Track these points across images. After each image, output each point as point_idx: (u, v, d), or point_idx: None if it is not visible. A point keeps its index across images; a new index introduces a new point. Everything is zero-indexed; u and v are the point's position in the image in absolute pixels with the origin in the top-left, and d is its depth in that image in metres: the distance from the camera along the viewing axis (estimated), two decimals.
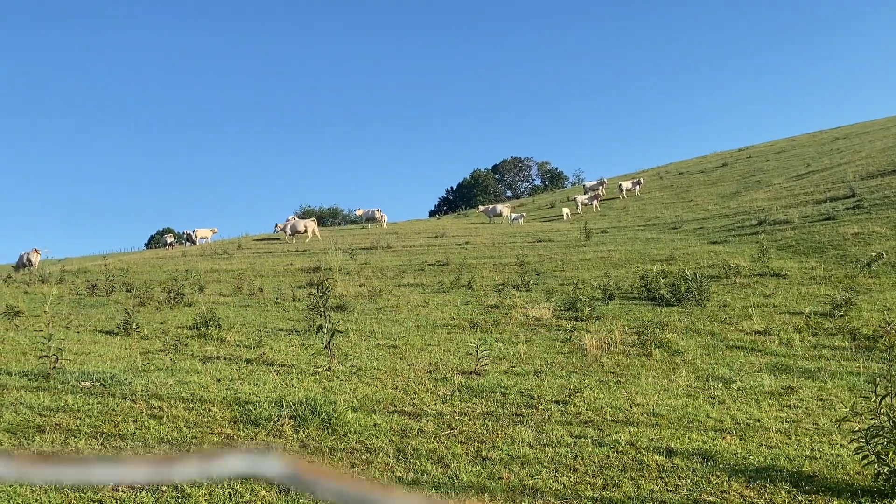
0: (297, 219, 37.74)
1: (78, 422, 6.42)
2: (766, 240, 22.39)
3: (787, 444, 6.26)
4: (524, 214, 43.77)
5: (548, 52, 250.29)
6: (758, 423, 6.86)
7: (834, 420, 6.90)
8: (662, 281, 15.71)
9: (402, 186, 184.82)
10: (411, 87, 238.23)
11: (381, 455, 5.83)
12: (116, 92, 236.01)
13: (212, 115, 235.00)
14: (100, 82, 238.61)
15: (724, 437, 6.42)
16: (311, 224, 37.07)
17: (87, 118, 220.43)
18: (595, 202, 45.29)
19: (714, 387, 8.35)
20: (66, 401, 7.09)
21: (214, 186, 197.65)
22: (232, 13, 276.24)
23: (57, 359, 8.32)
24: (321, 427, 6.50)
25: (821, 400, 7.73)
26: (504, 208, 46.06)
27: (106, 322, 13.74)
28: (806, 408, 7.43)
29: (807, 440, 6.35)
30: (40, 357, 8.74)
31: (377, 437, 6.29)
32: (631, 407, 7.44)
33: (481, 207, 49.26)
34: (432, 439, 6.28)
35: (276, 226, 40.00)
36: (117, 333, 12.16)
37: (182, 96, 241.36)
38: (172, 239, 51.63)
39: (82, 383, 7.89)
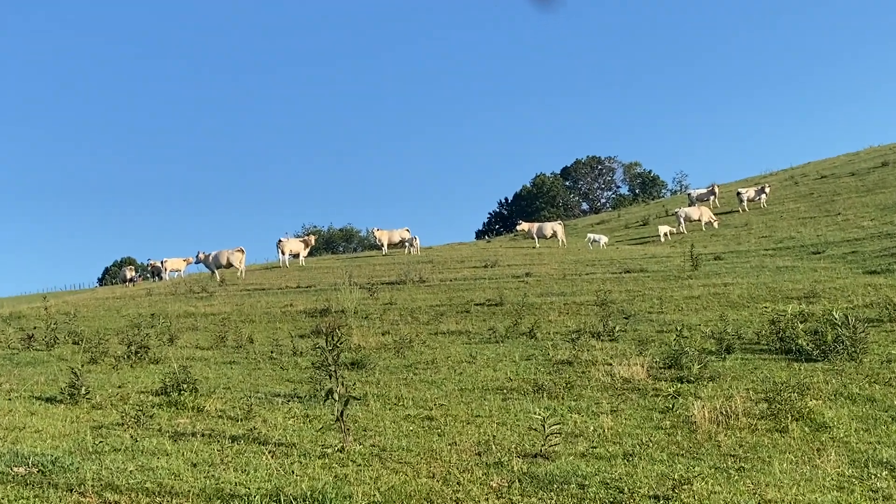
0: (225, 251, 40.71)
1: None
2: None
3: None
4: (605, 238, 43.47)
5: (629, 20, 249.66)
6: None
7: None
8: (801, 327, 15.40)
9: (440, 200, 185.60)
10: (445, 65, 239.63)
11: None
12: (59, 89, 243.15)
13: (185, 115, 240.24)
14: (39, 81, 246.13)
15: None
16: (238, 255, 39.66)
17: (23, 121, 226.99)
18: (704, 217, 44.82)
19: (877, 475, 8.12)
20: None
21: (190, 205, 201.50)
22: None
23: None
24: None
25: None
26: (556, 227, 45.75)
27: (46, 386, 13.99)
28: None
29: None
30: None
31: None
32: None
33: (524, 225, 48.78)
34: None
35: (199, 254, 42.58)
36: (61, 401, 12.35)
37: (147, 91, 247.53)
38: (134, 273, 52.70)
39: (15, 469, 8.02)
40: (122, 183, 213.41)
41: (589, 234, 43.53)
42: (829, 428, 10.05)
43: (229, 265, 39.77)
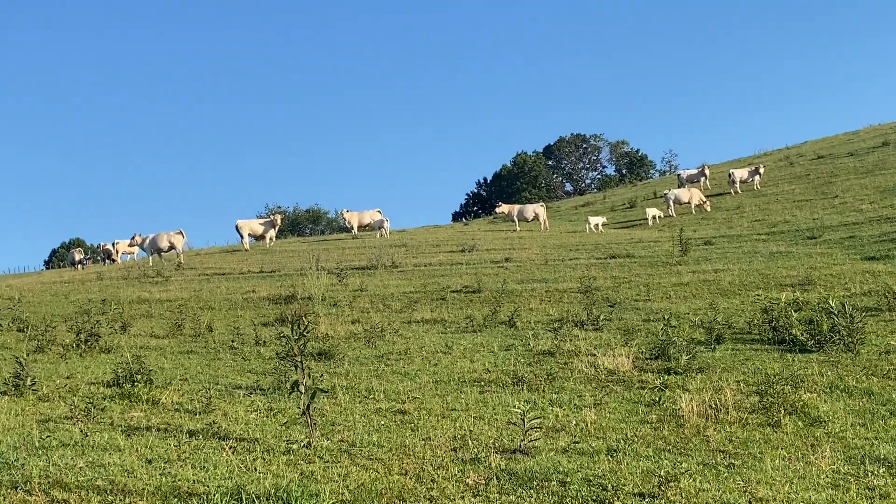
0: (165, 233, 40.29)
1: None
2: None
3: None
4: (604, 219, 43.45)
5: None
6: None
7: None
8: (795, 316, 15.52)
9: (414, 179, 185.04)
10: (419, 34, 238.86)
11: None
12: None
13: (139, 87, 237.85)
14: None
15: None
16: (179, 238, 39.27)
17: None
18: (695, 199, 45.05)
19: (874, 473, 8.20)
20: None
21: (144, 183, 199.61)
22: None
23: None
24: None
25: None
26: (538, 209, 45.97)
27: None
28: None
29: None
30: None
31: None
32: (750, 503, 7.35)
33: (503, 207, 49.24)
34: None
35: (135, 237, 42.51)
36: (5, 392, 12.27)
37: (94, 62, 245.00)
38: (83, 255, 52.17)
39: None
40: (71, 159, 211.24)
41: (590, 218, 43.46)
42: (824, 422, 10.14)
43: (170, 248, 39.12)
